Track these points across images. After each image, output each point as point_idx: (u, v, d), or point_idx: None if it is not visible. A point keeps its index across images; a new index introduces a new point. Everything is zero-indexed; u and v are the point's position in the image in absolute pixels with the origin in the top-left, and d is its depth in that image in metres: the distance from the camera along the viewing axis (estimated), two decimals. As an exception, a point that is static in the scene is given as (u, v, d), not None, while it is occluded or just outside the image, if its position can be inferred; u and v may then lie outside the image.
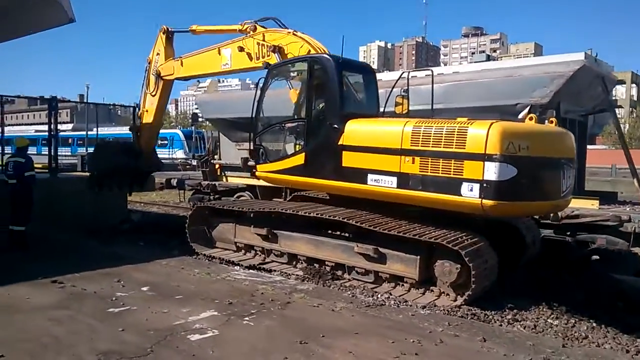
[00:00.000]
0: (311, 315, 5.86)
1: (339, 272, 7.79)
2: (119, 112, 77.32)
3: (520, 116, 8.97)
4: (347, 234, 7.97)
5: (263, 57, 9.60)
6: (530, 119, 7.25)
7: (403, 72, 10.05)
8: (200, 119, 41.15)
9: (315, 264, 8.06)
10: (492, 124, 6.49)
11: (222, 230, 9.26)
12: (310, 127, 8.19)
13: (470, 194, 6.51)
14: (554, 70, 9.84)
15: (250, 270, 8.07)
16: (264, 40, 9.60)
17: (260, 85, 8.93)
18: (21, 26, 11.13)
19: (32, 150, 10.17)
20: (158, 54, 12.24)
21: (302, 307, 6.15)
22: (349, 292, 6.87)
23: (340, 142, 7.77)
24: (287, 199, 10.56)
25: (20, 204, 9.33)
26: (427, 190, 6.92)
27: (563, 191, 7.15)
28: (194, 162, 35.15)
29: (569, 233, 9.62)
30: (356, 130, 7.71)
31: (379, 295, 6.79)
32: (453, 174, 6.66)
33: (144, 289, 6.78)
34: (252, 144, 9.09)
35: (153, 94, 12.44)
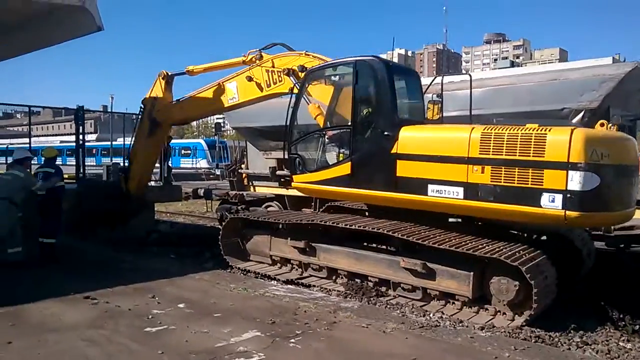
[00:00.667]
0: (361, 337, 5.42)
1: (383, 289, 7.35)
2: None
3: (573, 121, 8.46)
4: (389, 247, 7.54)
5: (275, 84, 9.33)
6: (602, 125, 6.79)
7: (436, 77, 9.66)
8: (223, 129, 41.14)
9: (356, 279, 7.64)
10: (573, 130, 6.14)
11: (257, 243, 8.88)
12: (356, 135, 7.72)
13: (551, 205, 6.10)
14: (603, 73, 9.31)
15: (289, 286, 7.67)
16: (273, 66, 9.28)
17: (296, 91, 8.56)
18: (49, 35, 10.98)
19: (57, 161, 10.12)
20: (155, 97, 11.73)
21: (350, 328, 5.71)
22: (397, 311, 6.42)
23: (393, 151, 7.33)
24: (320, 210, 10.13)
25: (49, 215, 9.10)
26: (500, 201, 6.49)
27: (633, 200, 6.76)
28: (218, 172, 35.29)
29: (622, 245, 9.06)
30: (413, 138, 7.26)
31: (431, 315, 6.32)
32: (531, 184, 6.24)
33: (181, 305, 6.43)
34: (286, 153, 8.67)
35: (147, 138, 11.90)
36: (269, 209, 14.90)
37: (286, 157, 8.73)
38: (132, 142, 12.47)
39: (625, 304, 7.64)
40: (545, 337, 5.69)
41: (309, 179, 8.36)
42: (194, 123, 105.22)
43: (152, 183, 18.60)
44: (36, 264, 8.50)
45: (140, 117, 12.15)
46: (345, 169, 7.81)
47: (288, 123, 8.45)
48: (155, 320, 5.84)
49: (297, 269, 8.38)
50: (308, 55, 8.95)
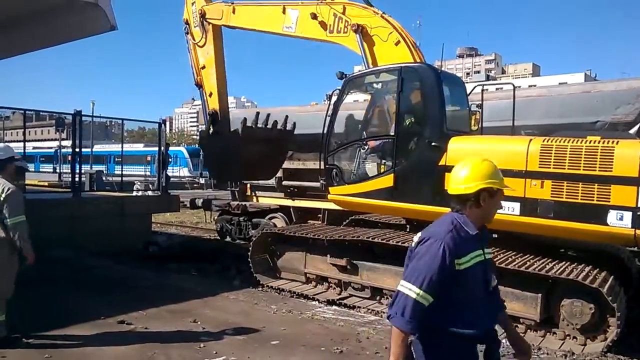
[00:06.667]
0: (444, 368, 4.94)
1: (436, 310, 6.88)
2: (114, 130, 76.18)
3: (631, 132, 8.22)
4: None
5: (338, 33, 8.39)
6: None
7: (476, 86, 9.36)
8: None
9: (404, 300, 7.16)
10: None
11: (290, 260, 8.31)
12: (400, 146, 7.27)
13: (619, 223, 5.74)
14: (639, 86, 9.15)
15: (335, 307, 7.14)
16: (343, 13, 8.35)
17: (334, 99, 8.08)
18: (61, 33, 10.29)
19: (30, 167, 9.11)
20: (194, 2, 10.45)
21: (426, 357, 5.22)
22: (466, 336, 5.95)
23: (442, 163, 6.89)
24: (344, 223, 9.61)
25: None
26: (561, 218, 6.11)
27: None
28: (202, 181, 34.43)
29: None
30: (464, 149, 6.81)
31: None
32: (597, 200, 5.89)
33: (229, 331, 5.83)
34: (322, 163, 8.16)
35: (201, 44, 10.37)
36: (273, 220, 14.36)
37: (322, 167, 8.17)
38: (192, 67, 10.75)
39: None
40: (634, 365, 5.30)
41: (347, 191, 7.82)
42: (169, 130, 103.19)
43: (150, 193, 17.90)
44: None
45: (187, 37, 10.64)
46: (388, 181, 7.33)
47: (325, 131, 7.95)
48: (210, 350, 5.24)
49: (334, 288, 7.86)
50: (384, 18, 8.09)
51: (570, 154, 6.06)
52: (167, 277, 8.53)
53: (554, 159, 6.14)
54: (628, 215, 5.70)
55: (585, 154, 5.98)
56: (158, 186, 15.11)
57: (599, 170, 5.88)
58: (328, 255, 7.75)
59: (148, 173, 30.71)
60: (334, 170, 7.95)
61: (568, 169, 6.06)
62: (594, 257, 7.44)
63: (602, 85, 9.80)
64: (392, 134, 7.39)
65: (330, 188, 8.02)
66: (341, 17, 8.31)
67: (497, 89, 9.69)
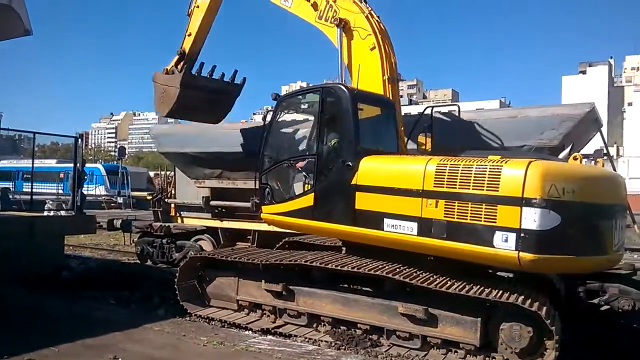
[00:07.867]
0: (390, 401, 4.69)
1: (374, 337, 6.66)
2: (23, 144, 71.39)
3: (561, 156, 8.47)
4: (370, 289, 6.84)
5: (325, 21, 8.45)
6: (575, 158, 6.63)
7: (426, 108, 9.49)
8: (126, 155, 38.53)
9: (342, 327, 6.88)
10: (530, 162, 5.73)
11: (220, 286, 7.80)
12: (320, 165, 7.23)
13: (504, 245, 5.65)
14: (562, 112, 9.53)
15: (270, 337, 6.73)
16: (334, 1, 8.37)
17: (268, 118, 7.91)
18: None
19: None
20: None
21: (370, 389, 4.96)
22: (409, 365, 5.75)
23: (353, 182, 6.84)
24: (277, 246, 9.27)
25: None
26: (453, 239, 6.03)
27: (615, 244, 6.29)
28: (120, 200, 32.70)
29: (579, 282, 9.16)
30: (371, 169, 6.80)
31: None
32: (484, 221, 5.80)
33: (155, 368, 5.29)
34: (257, 182, 7.93)
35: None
36: (199, 242, 13.74)
37: (257, 186, 7.94)
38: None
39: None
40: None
41: (277, 210, 7.76)
42: (85, 145, 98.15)
43: (63, 213, 16.60)
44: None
45: None
46: (309, 200, 7.28)
47: (260, 150, 7.77)
48: (134, 392, 4.69)
49: (269, 316, 7.44)
50: (369, 18, 8.10)
51: (461, 173, 6.02)
52: (82, 306, 7.74)
53: (447, 179, 6.11)
54: (512, 237, 5.59)
55: (475, 174, 5.92)
56: (72, 205, 14.03)
57: (487, 190, 5.81)
58: (262, 281, 7.34)
59: (61, 191, 28.80)
60: (267, 189, 7.80)
61: (459, 188, 6.00)
62: (522, 279, 7.58)
63: (528, 110, 10.09)
64: (314, 153, 7.36)
65: (262, 207, 7.87)
66: (332, 5, 8.37)
67: (419, 112, 9.77)
